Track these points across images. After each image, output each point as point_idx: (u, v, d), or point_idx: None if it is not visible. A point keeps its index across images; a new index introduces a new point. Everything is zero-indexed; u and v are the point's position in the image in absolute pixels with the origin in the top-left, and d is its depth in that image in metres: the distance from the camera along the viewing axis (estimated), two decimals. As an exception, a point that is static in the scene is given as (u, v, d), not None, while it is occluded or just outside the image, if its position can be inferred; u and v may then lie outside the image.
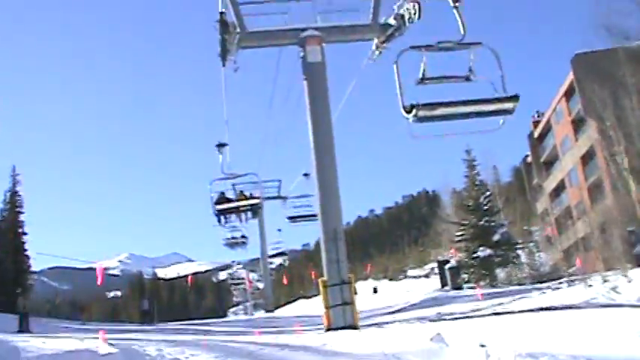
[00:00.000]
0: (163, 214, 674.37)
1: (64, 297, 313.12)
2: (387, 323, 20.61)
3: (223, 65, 20.90)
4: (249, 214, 33.62)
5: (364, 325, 17.19)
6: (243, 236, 50.10)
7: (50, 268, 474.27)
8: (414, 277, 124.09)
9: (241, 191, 31.68)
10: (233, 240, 51.55)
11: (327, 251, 16.39)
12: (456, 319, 15.73)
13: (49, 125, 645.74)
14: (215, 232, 40.46)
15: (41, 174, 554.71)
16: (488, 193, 48.03)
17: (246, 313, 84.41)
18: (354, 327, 15.74)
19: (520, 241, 55.93)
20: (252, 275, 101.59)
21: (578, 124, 55.08)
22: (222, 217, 31.71)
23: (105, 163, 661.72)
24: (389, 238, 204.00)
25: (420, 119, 11.30)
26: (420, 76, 11.51)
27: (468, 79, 11.89)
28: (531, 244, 60.12)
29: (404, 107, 11.30)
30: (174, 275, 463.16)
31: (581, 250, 55.44)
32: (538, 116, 68.05)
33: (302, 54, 17.50)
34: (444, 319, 15.73)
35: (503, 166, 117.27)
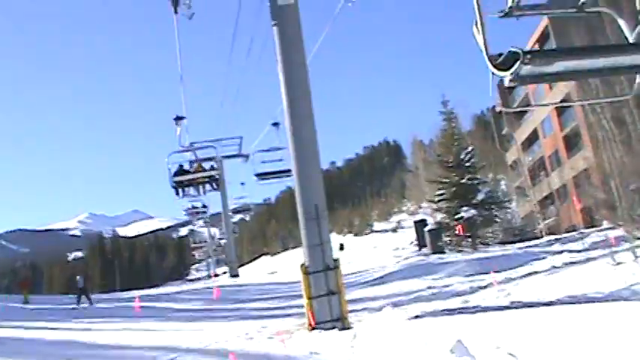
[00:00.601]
0: (122, 171, 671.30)
1: (24, 260, 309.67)
2: (374, 300, 18.25)
3: (175, 12, 18.49)
4: (208, 186, 33.02)
5: (348, 301, 14.55)
6: (203, 205, 49.07)
7: (9, 232, 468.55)
8: (380, 231, 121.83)
9: (199, 163, 30.60)
10: (194, 209, 50.60)
11: (307, 233, 13.66)
12: (468, 310, 13.14)
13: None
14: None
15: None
16: (470, 148, 45.08)
17: (209, 274, 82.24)
18: (344, 323, 13.14)
19: (506, 199, 53.75)
20: (214, 231, 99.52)
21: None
22: (179, 190, 31.09)
23: (61, 122, 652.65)
24: (351, 191, 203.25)
25: (522, 79, 6.27)
26: (510, 3, 6.56)
27: (580, 9, 6.98)
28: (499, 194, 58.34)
29: (493, 59, 6.26)
30: (136, 233, 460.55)
31: (556, 202, 54.06)
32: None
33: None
34: (462, 312, 13.03)
35: (463, 114, 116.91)
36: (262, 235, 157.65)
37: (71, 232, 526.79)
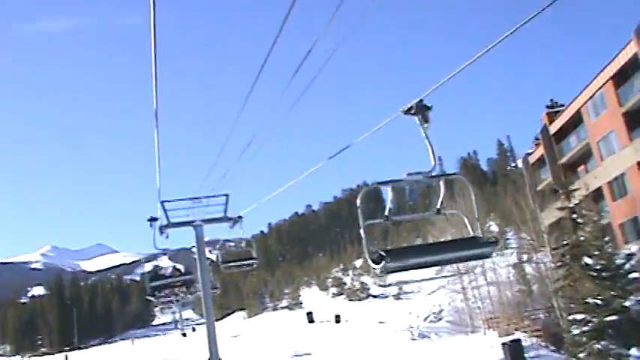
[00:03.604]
0: (87, 204, 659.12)
1: None
2: None
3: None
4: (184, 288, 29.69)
5: None
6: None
7: None
8: (378, 296, 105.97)
9: (174, 266, 31.07)
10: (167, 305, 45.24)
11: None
12: None
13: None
14: (141, 222, 30.00)
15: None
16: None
17: (176, 321, 72.27)
18: None
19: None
20: (180, 267, 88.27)
21: (633, 117, 41.39)
22: (156, 292, 28.54)
23: (28, 153, 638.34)
24: (328, 236, 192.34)
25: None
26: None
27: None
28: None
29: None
30: (99, 268, 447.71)
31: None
32: (553, 107, 54.11)
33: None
34: None
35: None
36: (235, 286, 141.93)
37: (33, 266, 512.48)
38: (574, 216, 27.80)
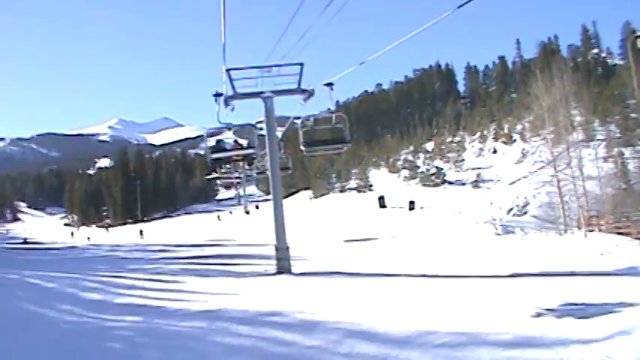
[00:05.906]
0: (153, 77, 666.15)
1: (53, 164, 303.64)
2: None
3: None
4: (246, 164, 30.87)
5: None
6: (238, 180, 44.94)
7: (40, 135, 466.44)
8: (454, 182, 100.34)
9: (235, 140, 28.35)
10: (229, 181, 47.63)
11: None
12: None
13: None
14: (208, 96, 27.24)
15: (26, 34, 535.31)
16: None
17: (239, 197, 76.08)
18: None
19: None
20: (242, 142, 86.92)
21: None
22: (217, 167, 30.71)
23: (97, 27, 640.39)
24: (398, 116, 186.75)
25: None
26: None
27: None
28: None
29: None
30: (165, 141, 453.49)
31: None
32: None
33: None
34: None
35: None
36: (301, 165, 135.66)
37: (100, 138, 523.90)
38: None
